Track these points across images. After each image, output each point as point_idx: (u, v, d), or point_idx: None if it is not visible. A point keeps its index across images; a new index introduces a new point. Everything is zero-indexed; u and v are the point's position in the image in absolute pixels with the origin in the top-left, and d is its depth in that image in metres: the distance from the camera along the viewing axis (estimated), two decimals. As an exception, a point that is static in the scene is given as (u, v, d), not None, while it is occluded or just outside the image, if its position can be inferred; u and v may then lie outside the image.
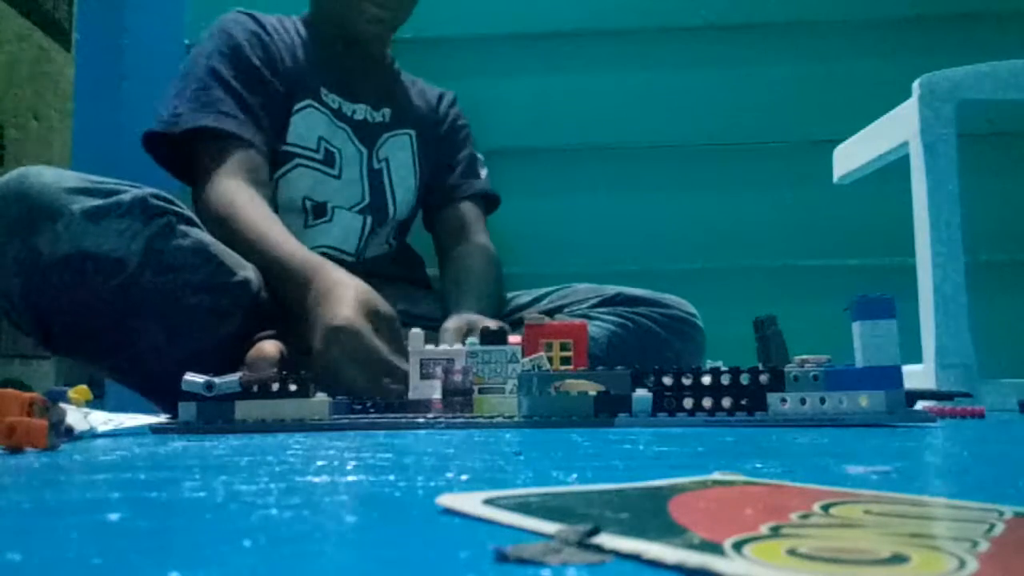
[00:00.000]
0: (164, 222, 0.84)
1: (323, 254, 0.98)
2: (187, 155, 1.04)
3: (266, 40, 1.10)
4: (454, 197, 1.22)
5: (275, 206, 1.06)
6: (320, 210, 1.10)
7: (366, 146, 1.15)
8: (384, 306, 0.86)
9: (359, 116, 1.15)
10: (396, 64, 1.25)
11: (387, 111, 1.18)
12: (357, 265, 1.07)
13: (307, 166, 1.09)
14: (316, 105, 1.11)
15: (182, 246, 0.85)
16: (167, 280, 0.83)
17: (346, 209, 1.11)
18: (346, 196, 1.12)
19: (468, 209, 1.21)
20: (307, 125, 1.10)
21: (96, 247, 0.80)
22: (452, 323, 0.94)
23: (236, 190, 0.97)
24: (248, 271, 0.90)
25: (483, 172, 1.27)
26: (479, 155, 1.29)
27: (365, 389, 0.80)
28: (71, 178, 0.83)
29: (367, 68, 1.18)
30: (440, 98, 1.27)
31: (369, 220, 1.13)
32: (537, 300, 1.13)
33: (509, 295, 1.16)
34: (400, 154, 1.18)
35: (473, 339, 0.78)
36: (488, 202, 1.26)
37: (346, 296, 0.84)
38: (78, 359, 0.91)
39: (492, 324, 0.82)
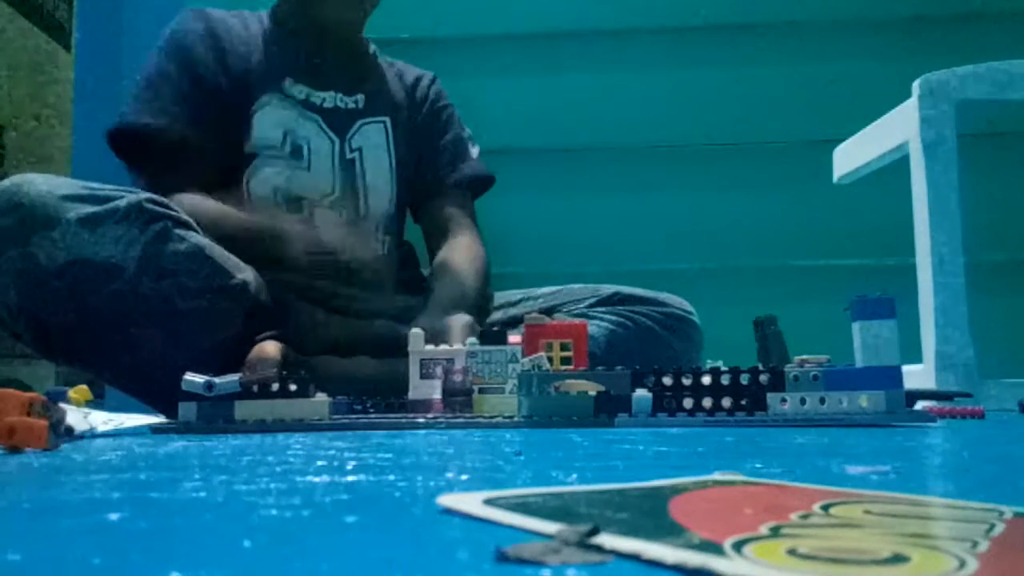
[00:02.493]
0: (160, 227, 0.84)
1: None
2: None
3: (214, 40, 1.07)
4: (441, 189, 1.17)
5: (247, 205, 1.04)
6: (295, 206, 1.06)
7: (338, 134, 1.10)
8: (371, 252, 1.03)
9: (329, 104, 1.10)
10: (373, 48, 1.20)
11: (360, 97, 1.13)
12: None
13: (275, 159, 1.06)
14: (279, 99, 1.07)
15: (179, 250, 0.85)
16: (165, 285, 0.83)
17: (319, 204, 1.08)
18: (318, 189, 1.07)
19: (452, 204, 1.16)
20: (270, 121, 1.06)
21: (94, 254, 0.80)
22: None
23: (181, 192, 0.97)
24: (246, 273, 0.89)
25: (474, 151, 1.19)
26: (466, 133, 1.21)
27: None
28: (65, 185, 0.83)
29: (338, 53, 1.13)
30: (418, 81, 1.21)
31: (344, 214, 1.09)
32: (534, 298, 1.12)
33: (506, 293, 1.15)
34: (374, 143, 1.13)
35: (473, 339, 0.78)
36: (483, 183, 1.20)
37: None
38: (77, 366, 0.91)
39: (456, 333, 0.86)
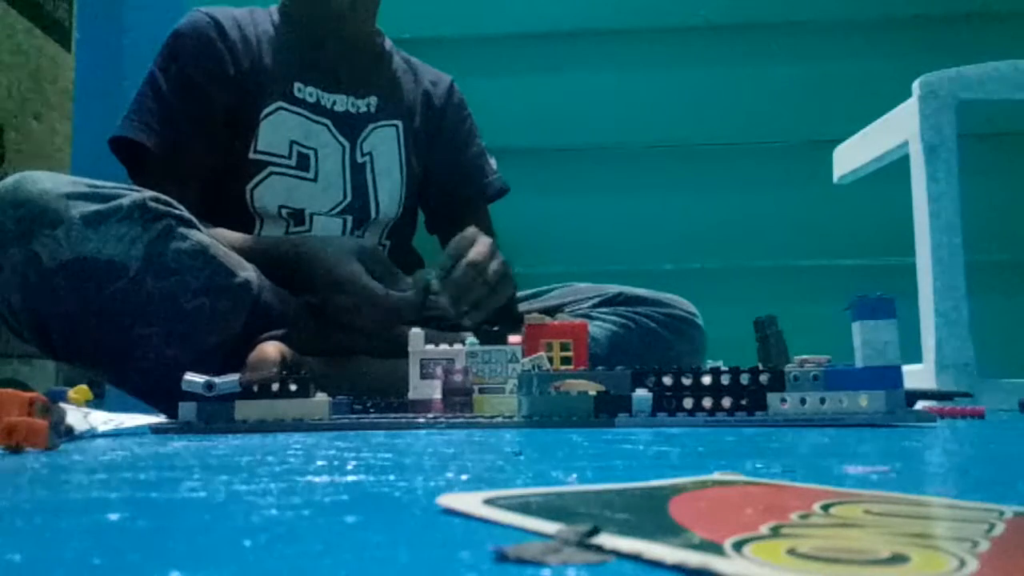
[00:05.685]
0: (163, 225, 0.84)
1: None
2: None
3: (219, 47, 1.04)
4: (466, 205, 1.18)
5: (251, 216, 1.04)
6: (298, 218, 1.06)
7: (348, 139, 1.09)
8: (369, 243, 0.98)
9: (340, 107, 1.09)
10: (388, 44, 1.18)
11: (373, 100, 1.12)
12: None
13: (280, 173, 1.04)
14: (287, 106, 1.05)
15: (182, 249, 0.84)
16: (168, 284, 0.83)
17: (324, 215, 1.07)
18: (324, 199, 1.07)
19: (475, 221, 1.13)
20: (277, 130, 1.04)
21: (97, 252, 0.80)
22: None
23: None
24: (248, 272, 0.89)
25: (492, 163, 1.22)
26: (483, 143, 1.22)
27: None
28: (68, 183, 0.83)
29: (350, 53, 1.11)
30: (435, 84, 1.20)
31: (349, 222, 1.09)
32: (537, 295, 1.12)
33: None
34: (385, 148, 1.12)
35: (473, 339, 0.78)
36: (500, 195, 1.22)
37: (336, 245, 0.94)
38: (79, 365, 0.91)
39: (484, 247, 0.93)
